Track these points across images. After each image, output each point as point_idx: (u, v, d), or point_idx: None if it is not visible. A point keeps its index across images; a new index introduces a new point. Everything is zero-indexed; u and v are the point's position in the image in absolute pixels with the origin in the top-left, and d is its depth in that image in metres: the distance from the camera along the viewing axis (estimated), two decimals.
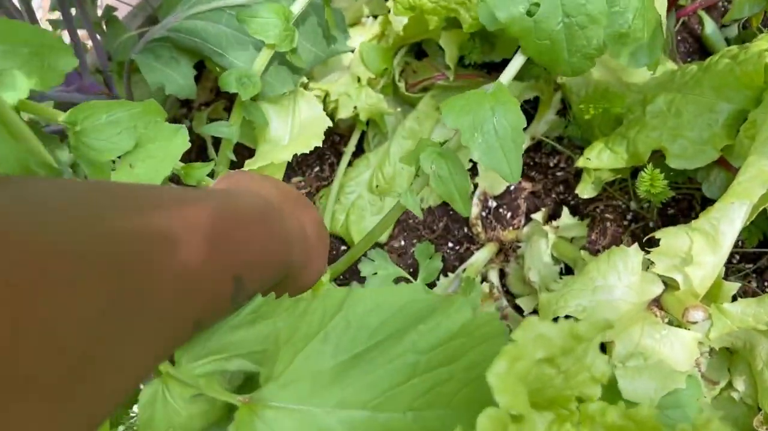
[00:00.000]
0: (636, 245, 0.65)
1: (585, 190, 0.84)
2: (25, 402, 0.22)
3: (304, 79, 0.83)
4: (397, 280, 0.96)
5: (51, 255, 0.24)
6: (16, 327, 0.21)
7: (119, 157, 0.66)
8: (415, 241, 0.99)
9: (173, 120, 1.14)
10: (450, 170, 0.64)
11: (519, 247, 0.95)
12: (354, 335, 0.45)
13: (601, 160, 0.78)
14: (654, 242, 0.69)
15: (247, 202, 0.52)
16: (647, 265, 0.66)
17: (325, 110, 0.88)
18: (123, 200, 0.35)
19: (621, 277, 0.64)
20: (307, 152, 1.06)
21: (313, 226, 0.63)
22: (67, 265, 0.25)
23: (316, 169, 1.06)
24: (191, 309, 0.40)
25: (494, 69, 0.97)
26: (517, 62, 0.65)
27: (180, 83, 0.81)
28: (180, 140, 0.63)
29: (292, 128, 0.83)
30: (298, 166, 1.06)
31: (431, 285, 0.92)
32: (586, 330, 0.34)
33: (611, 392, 0.54)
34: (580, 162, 0.80)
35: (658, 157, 0.77)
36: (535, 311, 0.89)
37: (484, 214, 0.99)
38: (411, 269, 0.97)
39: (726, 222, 0.61)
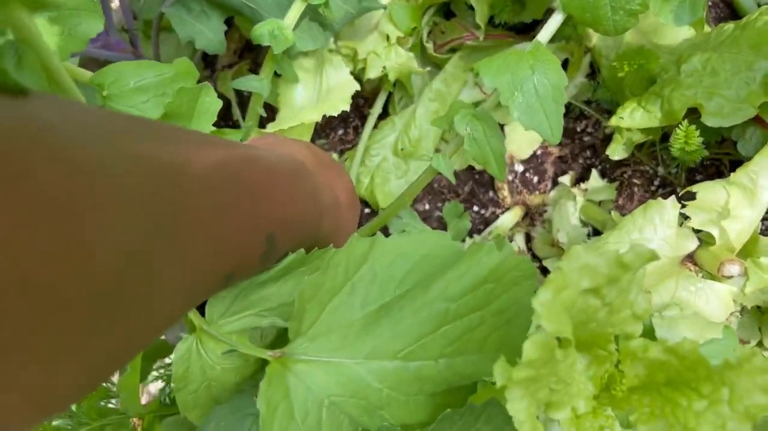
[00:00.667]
0: (673, 197, 0.64)
1: (615, 151, 0.83)
2: (59, 323, 0.21)
3: (331, 43, 0.82)
4: None
5: (98, 174, 0.23)
6: (55, 245, 0.20)
7: None
8: (440, 204, 0.98)
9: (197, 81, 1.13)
10: (486, 132, 0.63)
11: (545, 211, 0.94)
12: (381, 285, 0.45)
13: (634, 119, 0.77)
14: (689, 199, 0.68)
15: (282, 161, 0.51)
16: (681, 221, 0.65)
17: (353, 70, 0.88)
18: (164, 132, 0.35)
19: (657, 230, 0.63)
20: (330, 115, 1.06)
21: (346, 194, 0.63)
22: (112, 186, 0.24)
23: (340, 132, 1.05)
24: (223, 261, 0.39)
25: (523, 30, 0.96)
26: (555, 21, 0.64)
27: (209, 38, 0.81)
28: (209, 99, 0.62)
29: (319, 90, 0.82)
30: (321, 128, 1.06)
31: None
32: (632, 259, 0.34)
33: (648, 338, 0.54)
34: (613, 121, 0.79)
35: (692, 118, 0.76)
36: None
37: (510, 178, 0.98)
38: None
39: (765, 176, 0.60)
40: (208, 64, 1.15)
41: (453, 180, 0.67)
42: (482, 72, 0.59)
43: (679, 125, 0.71)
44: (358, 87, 0.80)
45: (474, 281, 0.43)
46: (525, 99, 0.58)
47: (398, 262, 0.45)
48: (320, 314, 0.46)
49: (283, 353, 0.46)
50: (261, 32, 0.70)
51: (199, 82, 1.14)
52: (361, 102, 1.06)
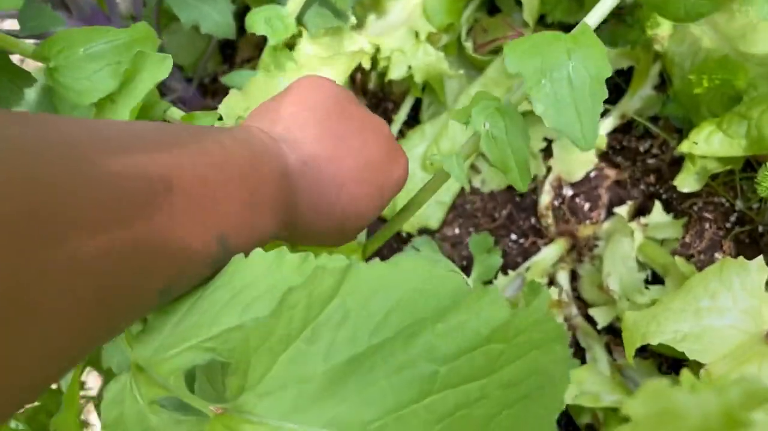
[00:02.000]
0: (761, 259, 0.49)
1: (686, 182, 0.68)
2: None
3: (353, 21, 0.70)
4: None
5: None
6: None
7: None
8: (471, 229, 0.85)
9: (214, 77, 1.03)
10: (508, 129, 0.50)
11: (596, 245, 0.80)
12: (352, 330, 0.34)
13: (710, 145, 0.62)
14: None
15: (261, 149, 0.44)
16: None
17: (374, 69, 0.75)
18: (102, 141, 0.32)
19: (736, 298, 0.48)
20: None
21: (369, 172, 0.51)
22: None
23: None
24: (155, 271, 0.34)
25: None
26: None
27: (216, 20, 0.70)
28: (159, 71, 0.52)
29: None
30: None
31: (486, 284, 0.78)
32: (743, 403, 0.22)
33: None
34: (684, 147, 0.64)
35: None
36: (611, 326, 0.74)
37: (556, 203, 0.84)
38: (465, 262, 0.83)
39: None
40: (226, 58, 1.04)
41: (467, 187, 0.54)
42: (508, 53, 0.46)
43: None
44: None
45: (473, 338, 0.32)
46: (554, 89, 0.45)
47: (376, 300, 0.33)
48: (272, 366, 0.35)
49: (226, 410, 0.35)
50: (255, 20, 0.59)
51: (215, 78, 1.04)
52: (390, 107, 0.94)
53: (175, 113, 0.62)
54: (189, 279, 0.38)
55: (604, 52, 0.46)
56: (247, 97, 0.59)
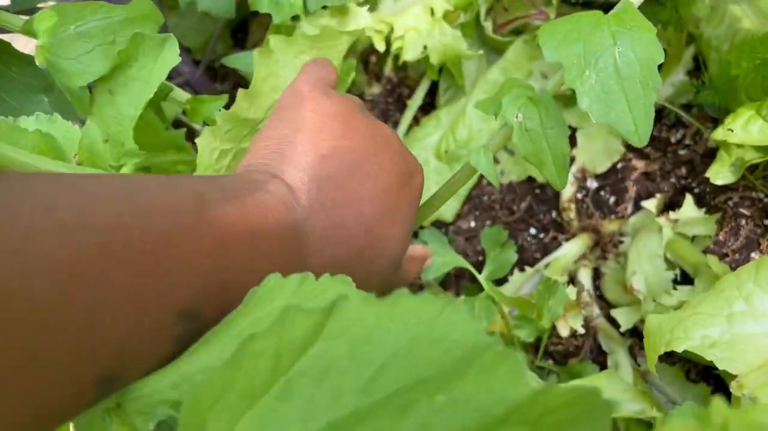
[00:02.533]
0: None
1: (720, 173, 0.63)
2: None
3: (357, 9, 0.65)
4: (456, 277, 0.78)
5: None
6: None
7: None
8: (489, 222, 0.80)
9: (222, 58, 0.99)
10: (543, 121, 0.45)
11: (621, 242, 0.74)
12: (337, 386, 0.27)
13: (748, 133, 0.57)
14: None
15: (259, 202, 0.39)
16: None
17: (388, 50, 0.71)
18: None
19: None
20: (369, 108, 0.89)
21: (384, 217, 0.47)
22: None
23: None
24: (90, 358, 0.28)
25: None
26: None
27: None
28: (169, 54, 0.48)
29: None
30: None
31: (501, 281, 0.73)
32: None
33: None
34: (719, 134, 0.59)
35: None
36: (635, 329, 0.69)
37: (579, 196, 0.78)
38: (479, 258, 0.78)
39: None
40: (237, 41, 1.00)
41: (496, 184, 0.49)
42: (543, 40, 0.41)
43: None
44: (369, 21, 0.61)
45: (482, 420, 0.24)
46: (600, 80, 0.40)
47: (368, 349, 0.26)
48: (233, 428, 0.29)
49: None
50: None
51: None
52: (405, 92, 0.89)
53: (180, 95, 0.59)
54: (141, 365, 0.32)
55: (653, 33, 0.40)
56: (250, 96, 0.55)
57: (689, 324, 0.44)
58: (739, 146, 0.59)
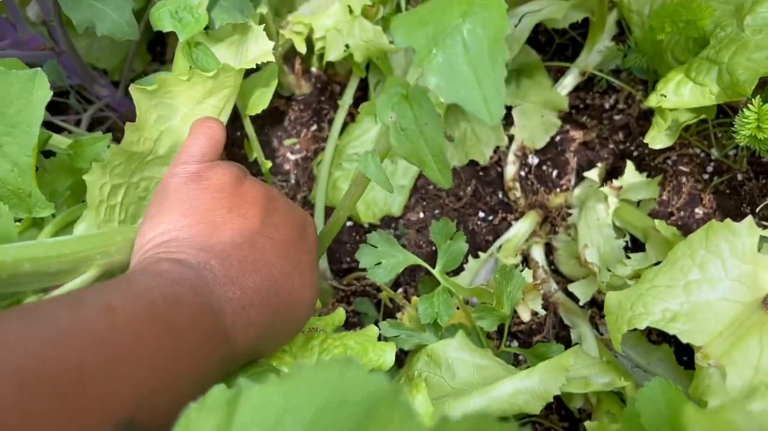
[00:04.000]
0: (750, 219, 0.44)
1: (657, 139, 0.63)
2: None
3: (264, 10, 0.62)
4: (411, 271, 0.77)
5: None
6: None
7: None
8: (438, 211, 0.79)
9: (141, 75, 0.95)
10: (417, 118, 0.43)
11: (569, 214, 0.75)
12: None
13: (681, 96, 0.57)
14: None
15: (171, 296, 0.39)
16: (761, 245, 0.45)
17: (311, 51, 0.69)
18: None
19: (726, 267, 0.43)
20: (301, 108, 0.87)
21: (290, 278, 0.49)
22: None
23: (313, 128, 0.86)
24: None
25: None
26: None
27: (114, 20, 0.62)
28: (40, 90, 0.45)
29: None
30: (291, 125, 0.87)
31: (456, 271, 0.72)
32: None
33: None
34: (652, 101, 0.59)
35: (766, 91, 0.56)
36: (594, 300, 0.69)
37: (523, 173, 0.78)
38: (433, 248, 0.78)
39: None
40: (156, 56, 0.96)
41: (390, 189, 0.48)
42: (395, 27, 0.39)
43: (749, 103, 0.51)
44: (272, 58, 0.59)
45: None
46: (447, 58, 0.38)
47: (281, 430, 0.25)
48: None
49: None
50: (159, 14, 0.52)
51: (145, 75, 0.96)
52: (337, 89, 0.87)
53: (60, 140, 0.56)
54: None
55: (503, 8, 0.39)
56: (137, 129, 0.52)
57: (648, 299, 0.44)
58: (673, 109, 0.59)
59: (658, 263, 0.60)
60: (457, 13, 0.38)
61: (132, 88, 0.50)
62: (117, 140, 0.82)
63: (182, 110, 0.55)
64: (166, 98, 0.52)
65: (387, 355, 0.57)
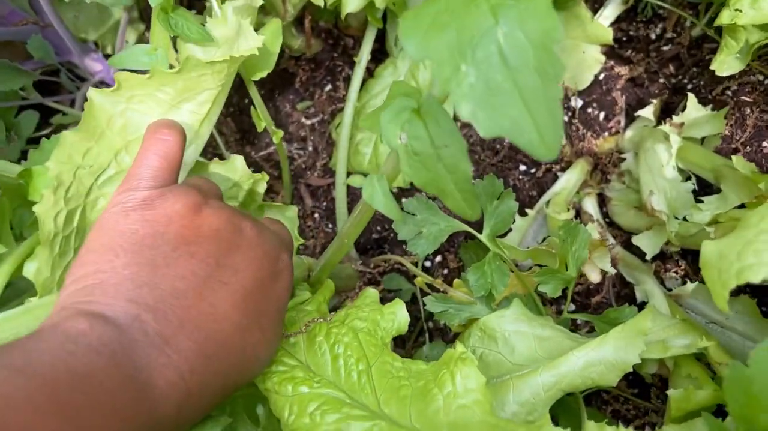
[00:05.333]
0: None
1: (726, 63, 0.55)
2: None
3: None
4: (454, 238, 0.70)
5: None
6: None
7: None
8: (473, 169, 0.72)
9: None
10: (434, 139, 0.34)
11: (622, 160, 0.67)
12: None
13: (759, 9, 0.49)
14: None
15: (84, 359, 0.31)
16: None
17: (326, 4, 0.61)
18: None
19: None
20: (313, 67, 0.79)
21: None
22: None
23: (328, 87, 0.79)
24: None
25: None
26: None
27: None
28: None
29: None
30: (302, 86, 0.79)
31: (502, 234, 0.65)
32: None
33: None
34: (724, 18, 0.51)
35: None
36: (662, 253, 0.62)
37: (566, 118, 0.70)
38: None
39: None
40: (147, 16, 0.88)
41: (398, 218, 0.41)
42: (405, 32, 0.29)
43: None
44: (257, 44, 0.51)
45: None
46: (482, 75, 0.28)
47: None
48: None
49: None
50: None
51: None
52: (350, 43, 0.79)
53: (7, 167, 0.49)
54: None
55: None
56: (88, 131, 0.45)
57: (760, 246, 0.37)
58: (747, 26, 0.51)
59: (741, 206, 0.54)
60: (486, 10, 0.28)
61: (90, 92, 0.43)
62: None
63: (152, 117, 0.46)
64: (132, 103, 0.44)
65: (399, 314, 0.49)
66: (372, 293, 0.52)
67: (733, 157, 0.53)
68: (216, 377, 0.37)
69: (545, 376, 0.50)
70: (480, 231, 0.55)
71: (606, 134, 0.69)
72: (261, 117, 0.61)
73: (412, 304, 0.70)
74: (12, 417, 0.26)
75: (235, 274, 0.40)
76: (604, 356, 0.49)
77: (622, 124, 0.69)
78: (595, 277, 0.52)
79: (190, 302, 0.37)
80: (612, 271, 0.52)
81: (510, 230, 0.66)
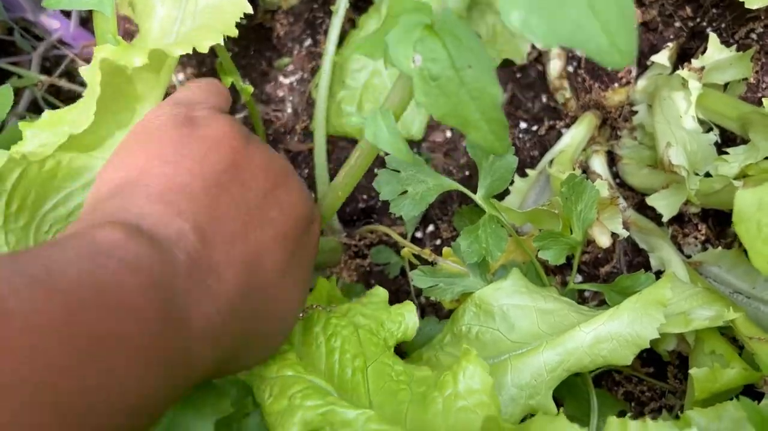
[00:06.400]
0: None
1: None
2: None
3: None
4: (441, 203, 0.63)
5: None
6: None
7: None
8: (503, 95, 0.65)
9: None
10: (453, 59, 0.29)
11: (634, 113, 0.60)
12: None
13: None
14: None
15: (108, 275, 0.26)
16: None
17: None
18: None
19: None
20: (291, 21, 0.72)
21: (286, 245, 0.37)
22: None
23: (308, 42, 0.72)
24: None
25: None
26: None
27: None
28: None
29: (185, 14, 0.46)
30: (280, 42, 0.72)
31: (501, 197, 0.58)
32: None
33: None
34: None
35: None
36: (679, 217, 0.55)
37: (571, 69, 0.63)
38: (467, 171, 0.63)
39: None
40: None
41: (408, 158, 0.36)
42: None
43: None
44: (250, 9, 0.43)
45: None
46: None
47: None
48: None
49: None
50: None
51: None
52: None
53: None
54: None
55: None
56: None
57: None
58: None
59: None
60: None
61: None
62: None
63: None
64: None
65: (408, 318, 0.45)
66: (381, 292, 0.48)
67: (764, 100, 0.46)
68: (251, 320, 0.33)
69: (548, 354, 0.43)
70: (474, 192, 0.48)
71: (615, 84, 0.62)
72: (226, 68, 0.54)
73: (402, 277, 0.63)
74: (27, 340, 0.21)
75: (281, 212, 0.36)
76: (617, 330, 0.42)
77: (634, 74, 0.62)
78: (604, 241, 0.45)
79: (237, 231, 0.33)
80: (624, 234, 0.46)
81: (508, 192, 0.59)
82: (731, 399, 0.41)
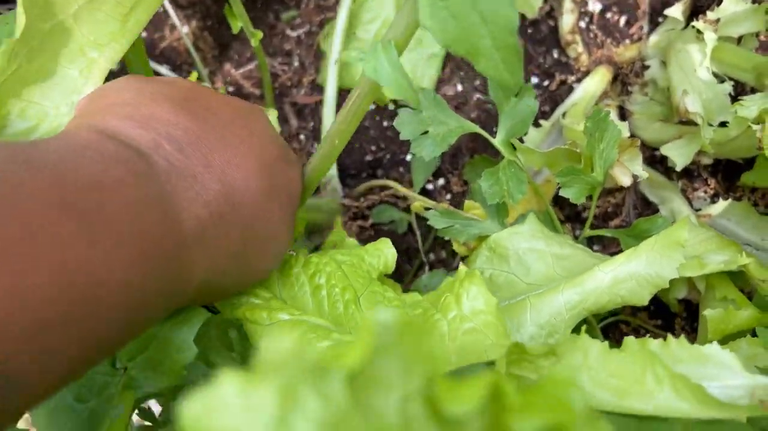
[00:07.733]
0: None
1: None
2: None
3: None
4: (452, 156, 0.63)
5: None
6: None
7: None
8: (479, 82, 0.65)
9: None
10: None
11: (646, 67, 0.60)
12: None
13: None
14: None
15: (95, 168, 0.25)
16: None
17: None
18: None
19: None
20: None
21: (271, 173, 0.36)
22: None
23: None
24: None
25: None
26: None
27: None
28: None
29: None
30: None
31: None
32: None
33: None
34: None
35: None
36: (689, 172, 0.56)
37: (583, 24, 0.63)
38: (480, 126, 0.63)
39: None
40: None
41: (415, 102, 0.35)
42: None
43: None
44: None
45: None
46: None
47: None
48: None
49: None
50: None
51: None
52: None
53: None
54: None
55: None
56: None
57: None
58: None
59: None
60: None
61: None
62: None
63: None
64: None
65: (386, 251, 0.44)
66: (350, 242, 0.49)
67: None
68: (238, 233, 0.32)
69: (568, 294, 0.43)
70: (494, 136, 0.48)
71: (627, 41, 0.62)
72: (236, 15, 0.53)
73: (411, 234, 0.63)
74: (21, 207, 0.21)
75: (251, 136, 0.35)
76: (636, 270, 0.42)
77: (645, 29, 0.62)
78: (626, 181, 0.45)
79: (212, 144, 0.32)
80: (644, 175, 0.46)
81: (522, 142, 0.59)
82: None
